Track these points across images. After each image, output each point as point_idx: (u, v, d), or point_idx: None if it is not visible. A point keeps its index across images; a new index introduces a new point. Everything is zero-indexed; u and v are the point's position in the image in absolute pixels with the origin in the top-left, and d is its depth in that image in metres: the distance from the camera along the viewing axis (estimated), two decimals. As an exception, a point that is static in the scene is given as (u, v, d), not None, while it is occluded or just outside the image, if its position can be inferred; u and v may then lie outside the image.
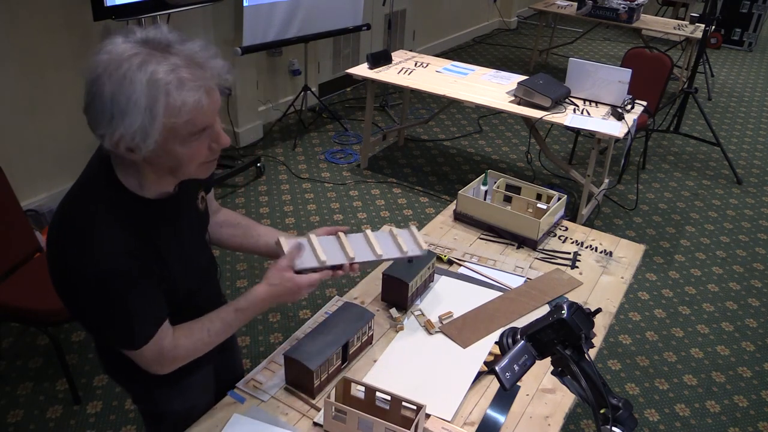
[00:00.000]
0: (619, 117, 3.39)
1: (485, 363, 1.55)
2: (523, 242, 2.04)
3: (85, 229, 1.08)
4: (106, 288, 1.08)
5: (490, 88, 3.78)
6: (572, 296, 1.82)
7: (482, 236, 2.08)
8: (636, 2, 5.61)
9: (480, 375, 1.52)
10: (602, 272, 1.94)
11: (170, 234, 1.22)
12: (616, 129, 3.27)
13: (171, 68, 1.00)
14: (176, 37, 1.04)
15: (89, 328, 1.22)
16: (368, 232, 1.47)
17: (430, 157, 4.55)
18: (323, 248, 1.38)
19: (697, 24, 5.59)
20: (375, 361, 1.55)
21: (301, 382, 1.44)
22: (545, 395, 1.49)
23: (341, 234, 1.43)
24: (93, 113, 1.01)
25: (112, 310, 1.12)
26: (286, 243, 1.37)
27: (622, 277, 1.92)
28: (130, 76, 0.97)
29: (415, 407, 1.32)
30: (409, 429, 1.25)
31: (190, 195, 1.30)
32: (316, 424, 1.37)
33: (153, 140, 1.01)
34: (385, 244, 1.46)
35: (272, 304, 1.32)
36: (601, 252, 2.03)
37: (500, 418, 1.42)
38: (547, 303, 1.78)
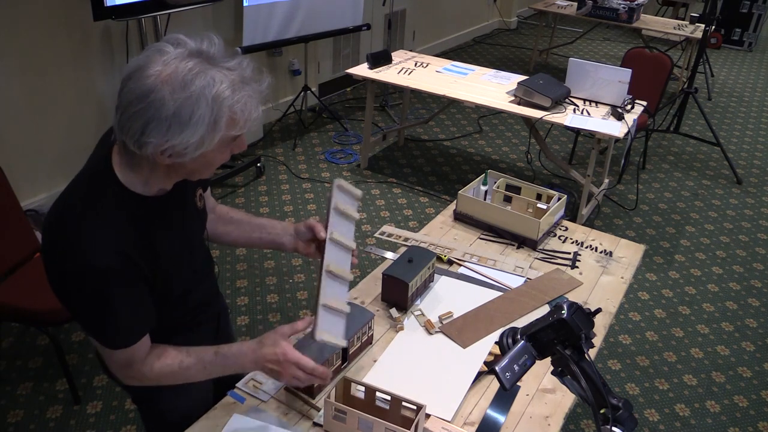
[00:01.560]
0: (619, 117, 3.39)
1: (485, 363, 1.55)
2: (523, 242, 2.04)
3: (77, 224, 1.09)
4: (91, 283, 1.09)
5: (490, 88, 3.78)
6: (572, 296, 1.82)
7: (482, 236, 2.08)
8: (636, 2, 5.61)
9: (480, 375, 1.52)
10: (602, 272, 1.94)
11: (166, 231, 1.22)
12: (616, 129, 3.27)
13: (232, 85, 1.04)
14: (222, 50, 1.08)
15: (77, 321, 1.22)
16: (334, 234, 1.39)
17: (430, 157, 4.55)
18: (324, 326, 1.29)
19: (697, 24, 5.59)
20: (375, 361, 1.55)
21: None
22: (545, 395, 1.49)
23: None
24: (140, 121, 1.01)
25: (97, 305, 1.12)
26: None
27: (622, 277, 1.92)
28: (197, 93, 1.01)
29: (415, 407, 1.32)
30: (409, 429, 1.25)
31: (188, 193, 1.30)
32: (316, 424, 1.37)
33: (203, 150, 1.06)
34: (344, 229, 1.40)
35: (256, 366, 1.26)
36: (601, 252, 2.03)
37: (500, 418, 1.42)
38: (547, 303, 1.78)
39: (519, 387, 1.50)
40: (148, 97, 1.00)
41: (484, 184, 2.19)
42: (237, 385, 1.46)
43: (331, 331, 1.27)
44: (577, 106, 3.54)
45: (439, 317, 1.69)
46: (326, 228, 1.36)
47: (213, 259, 1.51)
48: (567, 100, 3.59)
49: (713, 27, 4.89)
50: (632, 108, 3.52)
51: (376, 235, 2.23)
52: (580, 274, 1.92)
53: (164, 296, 1.25)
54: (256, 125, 1.11)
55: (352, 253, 1.40)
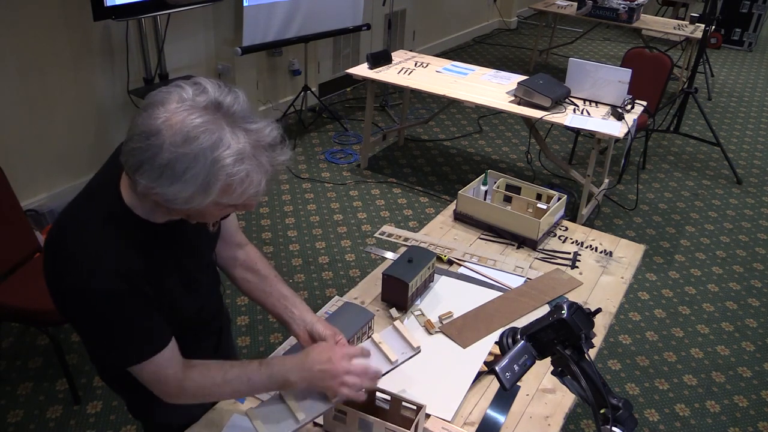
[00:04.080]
0: (619, 117, 3.39)
1: (485, 363, 1.55)
2: (523, 242, 2.04)
3: (80, 243, 1.06)
4: (95, 304, 1.06)
5: (490, 88, 3.78)
6: (572, 296, 1.82)
7: (482, 236, 2.08)
8: (636, 2, 5.61)
9: (480, 375, 1.52)
10: (602, 272, 1.94)
11: (173, 256, 1.19)
12: (616, 129, 3.27)
13: (238, 153, 0.97)
14: (246, 109, 1.01)
15: (85, 341, 1.18)
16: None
17: (430, 157, 4.55)
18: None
19: (697, 24, 5.59)
20: (375, 361, 1.55)
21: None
22: (545, 395, 1.49)
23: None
24: (136, 159, 0.98)
25: (103, 325, 1.09)
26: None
27: (622, 277, 1.92)
28: (195, 151, 0.95)
29: (415, 407, 1.32)
30: (409, 429, 1.25)
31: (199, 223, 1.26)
32: (316, 424, 1.37)
33: (191, 206, 1.00)
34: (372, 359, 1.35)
35: (303, 372, 1.21)
36: (601, 252, 2.03)
37: (500, 418, 1.42)
38: (547, 303, 1.78)
39: (519, 387, 1.50)
40: (149, 139, 0.96)
41: (484, 184, 2.19)
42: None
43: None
44: (577, 106, 3.54)
45: (439, 317, 1.69)
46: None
47: (219, 277, 1.47)
48: (567, 100, 3.59)
49: (713, 27, 4.89)
50: (632, 108, 3.52)
51: (376, 235, 2.23)
52: (580, 274, 1.92)
53: (168, 318, 1.21)
54: (258, 199, 1.04)
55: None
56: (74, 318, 1.11)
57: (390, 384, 1.45)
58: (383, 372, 1.32)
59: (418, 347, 1.36)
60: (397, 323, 1.40)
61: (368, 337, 1.58)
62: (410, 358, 1.35)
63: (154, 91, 1.01)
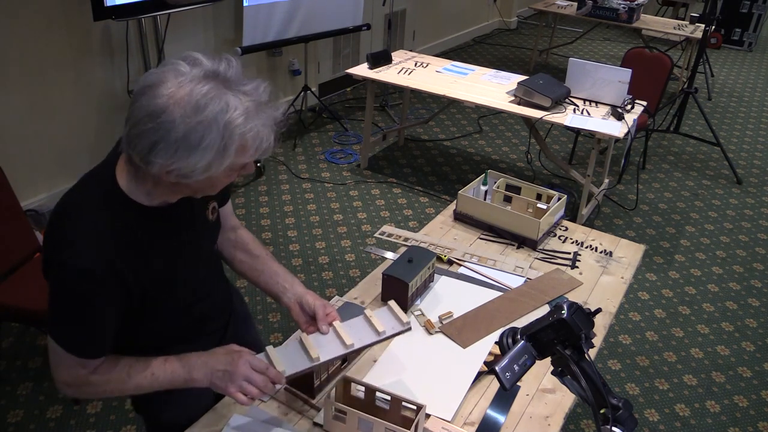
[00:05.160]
0: (619, 117, 3.39)
1: (485, 363, 1.55)
2: (523, 242, 2.04)
3: (72, 223, 1.09)
4: (70, 283, 1.07)
5: (490, 88, 3.78)
6: (572, 296, 1.82)
7: (482, 236, 2.08)
8: (636, 2, 5.61)
9: (480, 375, 1.52)
10: (602, 272, 1.94)
11: (165, 241, 1.19)
12: (616, 129, 3.27)
13: (246, 112, 1.01)
14: (239, 73, 1.05)
15: (49, 320, 1.17)
16: (336, 323, 1.37)
17: (430, 157, 4.55)
18: (282, 357, 1.29)
19: (697, 24, 5.59)
20: (375, 361, 1.55)
21: (301, 382, 1.43)
22: (545, 395, 1.49)
23: (303, 336, 1.34)
24: (148, 140, 0.99)
25: (71, 307, 1.10)
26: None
27: (622, 277, 1.92)
28: (209, 119, 0.98)
29: (415, 407, 1.32)
30: (409, 429, 1.25)
31: (198, 205, 1.27)
32: (316, 424, 1.37)
33: (209, 174, 1.04)
34: (356, 331, 1.36)
35: (206, 368, 1.21)
36: (601, 252, 2.03)
37: (500, 418, 1.42)
38: (547, 303, 1.78)
39: (519, 387, 1.50)
40: (159, 117, 0.98)
41: (484, 184, 2.19)
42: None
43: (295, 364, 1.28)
44: (577, 106, 3.54)
45: (439, 317, 1.69)
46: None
47: (223, 271, 1.47)
48: (567, 100, 3.59)
49: (713, 27, 4.89)
50: (632, 108, 3.52)
51: (376, 235, 2.23)
52: (580, 274, 1.92)
53: (160, 307, 1.22)
54: (269, 153, 1.08)
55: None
56: (50, 295, 1.12)
57: (390, 384, 1.45)
58: (369, 342, 1.33)
59: (408, 323, 1.36)
60: (391, 303, 1.41)
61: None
62: (399, 333, 1.36)
63: (146, 74, 1.03)
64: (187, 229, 1.25)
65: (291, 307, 1.42)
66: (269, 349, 1.30)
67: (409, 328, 1.37)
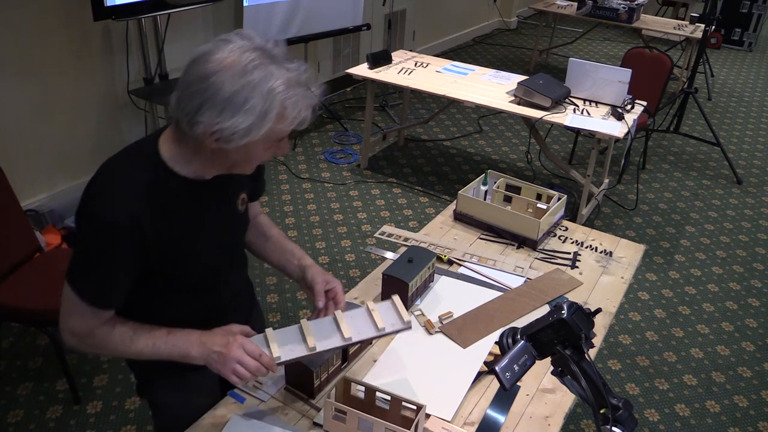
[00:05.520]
0: (619, 117, 3.39)
1: (485, 363, 1.55)
2: (523, 242, 2.04)
3: (108, 176, 1.17)
4: (94, 231, 1.14)
5: (490, 88, 3.78)
6: (572, 296, 1.82)
7: (482, 236, 2.08)
8: (636, 2, 5.61)
9: (480, 375, 1.52)
10: (602, 272, 1.94)
11: (190, 215, 1.24)
12: (616, 129, 3.27)
13: (287, 82, 1.10)
14: (285, 53, 1.15)
15: (70, 264, 1.22)
16: (338, 312, 1.38)
17: (430, 157, 4.55)
18: (279, 341, 1.30)
19: (697, 24, 5.59)
20: (375, 361, 1.55)
21: (301, 382, 1.44)
22: (545, 395, 1.49)
23: (304, 323, 1.35)
24: (197, 101, 1.08)
25: (91, 253, 1.16)
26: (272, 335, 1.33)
27: (622, 277, 1.92)
28: (254, 83, 1.07)
29: (415, 407, 1.32)
30: (409, 429, 1.25)
31: (228, 192, 1.33)
32: (316, 424, 1.37)
33: (249, 139, 1.10)
34: (356, 323, 1.36)
35: (202, 348, 1.25)
36: (601, 252, 2.03)
37: (500, 418, 1.42)
38: (547, 303, 1.78)
39: (519, 387, 1.50)
40: (209, 79, 1.07)
41: (484, 184, 2.19)
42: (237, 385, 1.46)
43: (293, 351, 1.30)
44: (577, 106, 3.54)
45: (439, 317, 1.69)
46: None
47: (245, 265, 1.52)
48: (567, 100, 3.59)
49: (713, 27, 4.89)
50: (632, 108, 3.52)
51: (376, 235, 2.23)
52: (580, 274, 1.92)
53: (176, 281, 1.27)
54: (303, 125, 1.17)
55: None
56: (76, 239, 1.20)
57: (390, 384, 1.45)
58: (368, 337, 1.34)
59: (409, 322, 1.36)
60: (395, 297, 1.41)
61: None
62: (399, 331, 1.36)
63: (197, 48, 1.12)
64: (215, 209, 1.30)
65: (300, 281, 1.50)
66: (268, 331, 1.32)
67: (410, 327, 1.37)
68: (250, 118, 1.08)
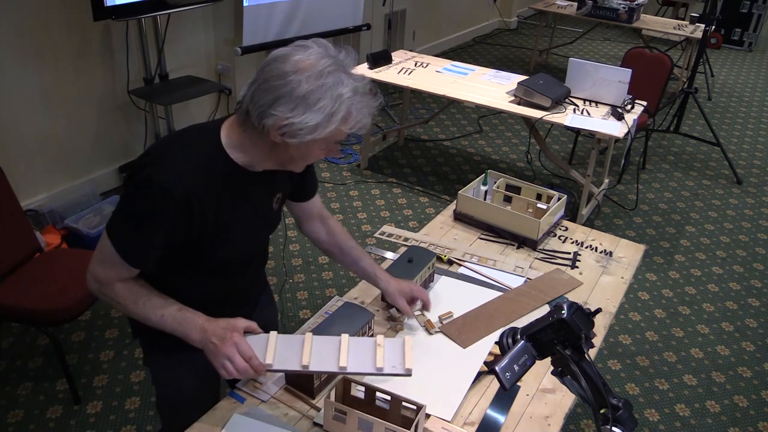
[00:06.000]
0: (619, 117, 3.39)
1: (485, 363, 1.55)
2: (523, 242, 2.04)
3: (169, 148, 1.27)
4: (144, 194, 1.21)
5: (490, 88, 3.78)
6: (572, 296, 1.82)
7: (482, 236, 2.08)
8: (636, 2, 5.61)
9: (480, 375, 1.52)
10: (602, 272, 1.94)
11: (235, 202, 1.31)
12: (616, 129, 3.27)
13: (354, 90, 1.21)
14: (353, 64, 1.24)
15: (113, 215, 1.29)
16: (345, 336, 1.37)
17: (430, 157, 4.55)
18: (278, 348, 1.32)
19: (697, 24, 5.59)
20: (375, 361, 1.55)
21: (301, 382, 1.44)
22: (545, 395, 1.49)
23: (308, 336, 1.37)
24: (273, 95, 1.16)
25: (136, 213, 1.23)
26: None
27: (622, 277, 1.92)
28: (327, 86, 1.17)
29: (415, 407, 1.32)
30: (409, 429, 1.25)
31: (270, 188, 1.41)
32: (316, 424, 1.37)
33: (313, 137, 1.19)
34: (357, 354, 1.34)
35: (201, 335, 1.29)
36: (601, 252, 2.03)
37: (500, 418, 1.42)
38: (547, 303, 1.78)
39: (519, 387, 1.50)
40: (288, 76, 1.16)
41: (484, 184, 2.19)
42: (237, 385, 1.46)
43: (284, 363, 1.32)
44: (577, 106, 3.54)
45: (439, 317, 1.69)
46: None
47: (264, 263, 1.59)
48: (567, 100, 3.59)
49: (713, 27, 4.89)
50: (632, 108, 3.52)
51: (376, 235, 2.23)
52: (580, 274, 1.92)
53: (196, 263, 1.34)
54: (363, 131, 1.28)
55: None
56: (123, 192, 1.27)
57: (390, 384, 1.45)
58: (363, 372, 1.34)
59: (410, 370, 1.34)
60: (407, 339, 1.40)
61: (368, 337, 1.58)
62: (396, 375, 1.35)
63: (275, 51, 1.21)
64: (256, 201, 1.38)
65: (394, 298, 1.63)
66: (272, 334, 1.34)
67: (410, 374, 1.34)
68: (318, 116, 1.16)
